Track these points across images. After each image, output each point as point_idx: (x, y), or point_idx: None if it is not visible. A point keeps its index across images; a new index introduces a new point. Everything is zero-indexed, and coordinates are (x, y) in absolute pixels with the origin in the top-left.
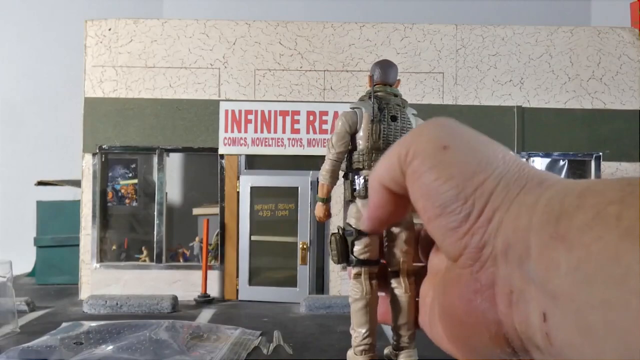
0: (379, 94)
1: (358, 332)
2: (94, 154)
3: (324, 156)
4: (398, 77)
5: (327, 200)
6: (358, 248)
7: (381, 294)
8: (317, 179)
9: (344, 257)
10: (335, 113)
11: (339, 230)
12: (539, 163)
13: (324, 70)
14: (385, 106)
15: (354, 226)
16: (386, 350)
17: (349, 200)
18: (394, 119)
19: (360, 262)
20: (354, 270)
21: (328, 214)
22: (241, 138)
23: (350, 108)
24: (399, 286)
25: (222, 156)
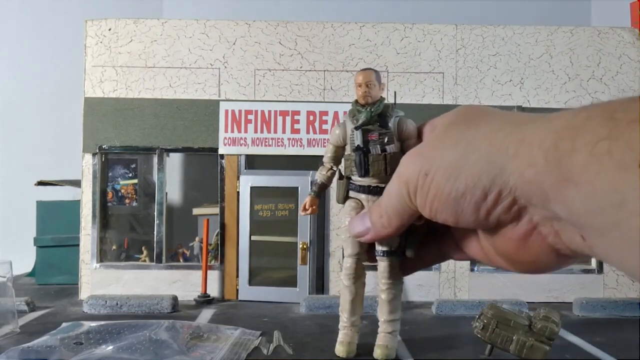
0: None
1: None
2: (94, 154)
3: (324, 156)
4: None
5: None
6: None
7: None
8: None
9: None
10: (335, 113)
11: None
12: None
13: (324, 70)
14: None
15: None
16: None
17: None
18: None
19: None
20: None
21: None
22: (241, 138)
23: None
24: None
25: (222, 156)
